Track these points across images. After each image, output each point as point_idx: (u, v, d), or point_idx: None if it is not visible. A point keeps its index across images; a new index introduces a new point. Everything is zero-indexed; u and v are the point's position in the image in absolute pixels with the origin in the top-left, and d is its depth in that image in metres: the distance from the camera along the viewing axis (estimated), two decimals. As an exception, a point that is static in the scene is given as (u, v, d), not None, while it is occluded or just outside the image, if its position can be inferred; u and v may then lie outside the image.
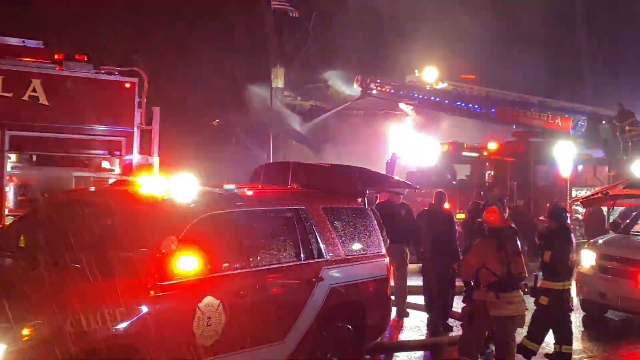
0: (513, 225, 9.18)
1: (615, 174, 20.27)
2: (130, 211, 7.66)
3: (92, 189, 10.12)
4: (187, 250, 6.83)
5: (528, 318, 9.40)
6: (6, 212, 11.98)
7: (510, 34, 34.16)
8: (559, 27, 37.35)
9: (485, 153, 19.20)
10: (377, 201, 13.31)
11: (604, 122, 23.96)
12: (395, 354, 10.45)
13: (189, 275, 6.81)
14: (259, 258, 7.73)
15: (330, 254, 8.51)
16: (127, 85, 13.30)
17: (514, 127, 25.18)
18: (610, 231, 14.08)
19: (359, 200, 9.55)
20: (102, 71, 13.35)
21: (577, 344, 11.25)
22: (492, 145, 19.26)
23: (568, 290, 9.93)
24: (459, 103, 27.91)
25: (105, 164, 13.38)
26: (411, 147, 20.66)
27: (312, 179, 9.52)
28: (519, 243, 9.03)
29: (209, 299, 6.98)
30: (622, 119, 22.89)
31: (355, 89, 31.32)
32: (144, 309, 6.48)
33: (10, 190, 12.40)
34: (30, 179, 12.80)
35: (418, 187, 13.02)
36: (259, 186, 9.22)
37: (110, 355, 6.17)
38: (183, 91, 28.37)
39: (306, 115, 34.59)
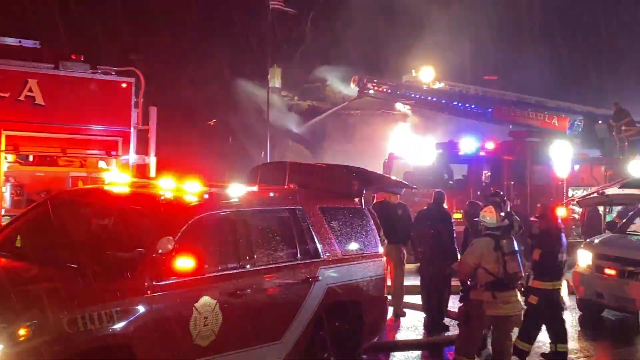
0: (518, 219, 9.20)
1: (611, 173, 20.29)
2: (126, 211, 7.66)
3: (89, 189, 10.09)
4: (183, 250, 6.83)
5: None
6: (2, 212, 11.98)
7: (509, 34, 34.20)
8: (558, 27, 37.41)
9: (482, 153, 19.20)
10: (374, 201, 13.32)
11: (600, 121, 24.00)
12: (392, 353, 10.45)
13: (185, 275, 6.80)
14: (255, 258, 7.73)
15: (327, 254, 8.52)
16: (124, 85, 13.30)
17: (511, 126, 25.21)
18: (606, 231, 14.09)
19: (356, 200, 9.55)
20: (99, 71, 13.34)
21: (573, 344, 11.27)
22: (489, 145, 19.26)
23: (558, 290, 9.94)
24: (455, 103, 27.94)
25: (101, 164, 13.38)
26: (408, 146, 20.66)
27: (309, 178, 9.52)
28: (515, 243, 9.04)
29: (205, 299, 6.98)
30: (619, 119, 22.94)
31: (352, 89, 31.35)
32: (141, 309, 6.47)
33: (6, 190, 12.39)
34: (26, 179, 12.79)
35: (415, 187, 13.03)
36: (256, 186, 9.22)
37: (106, 356, 6.16)
38: (180, 91, 28.35)
39: (303, 115, 34.59)
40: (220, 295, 7.12)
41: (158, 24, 30.56)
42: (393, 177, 14.52)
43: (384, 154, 21.56)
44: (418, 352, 10.62)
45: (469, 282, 9.06)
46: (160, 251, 6.68)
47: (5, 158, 12.35)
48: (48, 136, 12.53)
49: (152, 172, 13.34)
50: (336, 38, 34.26)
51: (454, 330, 11.24)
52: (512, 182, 18.84)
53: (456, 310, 10.23)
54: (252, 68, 30.43)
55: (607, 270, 12.19)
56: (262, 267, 7.76)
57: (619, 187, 14.48)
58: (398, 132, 26.30)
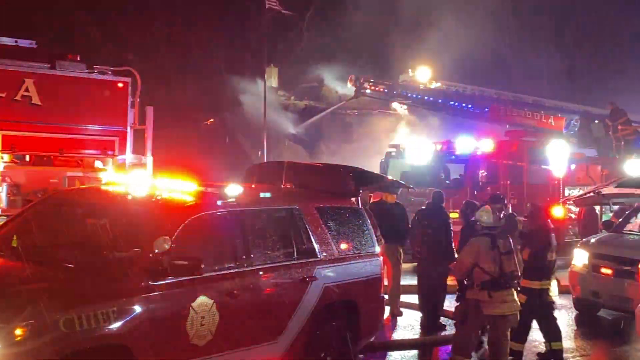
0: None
1: (607, 172, 20.31)
2: (123, 211, 7.66)
3: (85, 188, 10.09)
4: (180, 250, 6.82)
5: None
6: (-1, 212, 11.99)
7: (506, 34, 34.22)
8: (555, 26, 37.44)
9: (478, 152, 19.22)
10: (371, 200, 13.33)
11: (596, 121, 24.05)
12: (389, 353, 10.46)
13: (182, 275, 6.80)
14: (252, 258, 7.73)
15: (324, 254, 8.52)
16: (120, 85, 13.32)
17: (507, 126, 25.25)
18: (603, 230, 14.12)
19: (353, 199, 9.56)
20: (95, 71, 13.36)
21: (569, 343, 11.29)
22: (486, 145, 19.27)
23: (546, 290, 9.96)
24: (452, 102, 27.97)
25: (98, 164, 13.38)
26: (405, 146, 20.68)
27: (305, 178, 9.53)
28: (511, 242, 9.06)
29: (202, 299, 6.97)
30: (615, 118, 22.98)
31: (349, 89, 31.33)
32: (137, 308, 6.47)
33: (3, 190, 12.40)
34: (23, 179, 12.79)
35: (411, 186, 13.04)
36: (253, 186, 9.23)
37: (103, 356, 6.16)
38: (176, 91, 28.33)
39: (300, 114, 34.58)
40: (217, 295, 7.12)
41: (154, 23, 30.54)
42: (390, 177, 14.52)
43: (380, 153, 21.58)
44: (415, 352, 10.63)
45: (465, 282, 9.07)
46: (156, 251, 6.68)
47: (2, 158, 12.35)
48: (44, 136, 12.54)
49: (149, 171, 13.34)
50: (333, 38, 34.27)
51: (450, 330, 11.26)
52: (509, 182, 18.85)
53: (453, 309, 10.24)
54: (249, 67, 30.41)
55: (604, 270, 12.22)
56: (259, 267, 7.76)
57: (615, 187, 14.49)
58: (395, 132, 26.31)
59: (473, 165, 19.29)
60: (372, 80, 30.25)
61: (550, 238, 10.08)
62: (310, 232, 8.46)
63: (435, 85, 29.85)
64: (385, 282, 10.26)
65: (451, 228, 12.15)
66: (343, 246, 8.90)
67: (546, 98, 28.86)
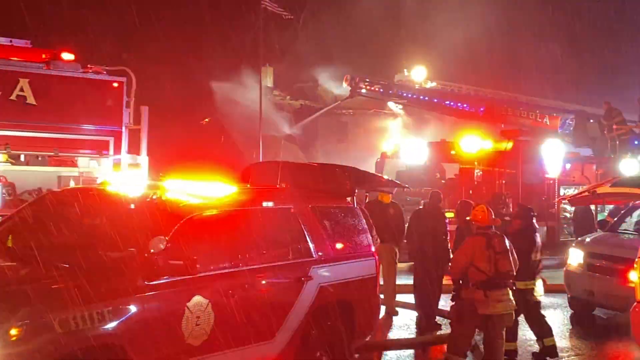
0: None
1: (602, 172, 20.36)
2: (119, 211, 7.65)
3: (80, 188, 10.08)
4: (175, 250, 6.82)
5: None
6: (-6, 211, 11.94)
7: (503, 33, 34.27)
8: (551, 26, 37.47)
9: (474, 152, 19.25)
10: (367, 200, 13.33)
11: (591, 120, 24.08)
12: (385, 352, 10.47)
13: (177, 274, 6.80)
14: (248, 257, 7.73)
15: (320, 253, 8.52)
16: (115, 84, 13.31)
17: (503, 125, 25.27)
18: (598, 229, 14.14)
19: (348, 199, 9.56)
20: (90, 70, 13.34)
21: (564, 342, 11.32)
22: (482, 145, 19.30)
23: (531, 290, 9.97)
24: (448, 102, 28.00)
25: (93, 164, 13.36)
26: (400, 146, 20.71)
27: (301, 178, 9.52)
28: (507, 241, 9.07)
29: (197, 299, 6.97)
30: (610, 118, 23.02)
31: (344, 88, 31.35)
32: (133, 308, 6.47)
33: (-3, 190, 12.37)
34: (18, 179, 12.76)
35: (407, 186, 13.05)
36: (248, 186, 9.22)
37: (99, 356, 6.15)
38: (172, 90, 28.31)
39: (296, 114, 34.56)
40: (213, 294, 7.11)
41: (149, 23, 30.51)
42: (385, 177, 14.53)
43: (376, 153, 21.61)
44: (410, 351, 10.64)
45: (460, 281, 9.08)
46: (152, 251, 6.67)
47: (-3, 157, 12.34)
48: (39, 136, 12.53)
49: (144, 171, 13.34)
50: (328, 37, 34.27)
51: (446, 329, 11.27)
52: (504, 181, 18.88)
53: (448, 309, 10.25)
54: (244, 67, 30.39)
55: (599, 269, 12.23)
56: (255, 267, 7.75)
57: (610, 186, 14.52)
58: (390, 132, 26.33)
59: (468, 164, 19.33)
60: (367, 80, 30.28)
61: (534, 238, 10.11)
62: (305, 232, 8.46)
63: (430, 84, 29.88)
64: (381, 282, 10.27)
65: (447, 228, 12.17)
66: (339, 246, 8.91)
67: (541, 97, 28.90)
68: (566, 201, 17.57)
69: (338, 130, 33.55)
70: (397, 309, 12.65)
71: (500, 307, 8.82)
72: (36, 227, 7.82)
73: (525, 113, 25.25)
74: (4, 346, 5.70)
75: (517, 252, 9.49)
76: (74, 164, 13.17)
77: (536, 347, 10.38)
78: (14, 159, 12.82)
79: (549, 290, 14.51)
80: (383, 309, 11.54)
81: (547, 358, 10.13)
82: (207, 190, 7.87)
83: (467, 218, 10.13)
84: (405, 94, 29.48)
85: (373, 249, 9.51)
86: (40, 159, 12.94)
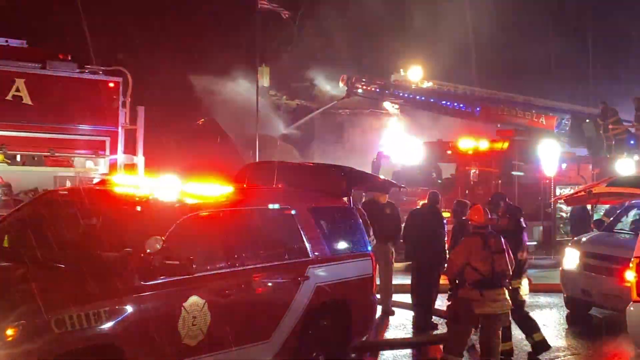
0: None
1: (598, 171, 20.37)
2: (115, 211, 7.65)
3: (77, 188, 10.07)
4: (172, 250, 6.82)
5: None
6: (-10, 212, 11.92)
7: (500, 33, 34.26)
8: (547, 25, 37.51)
9: (470, 152, 19.26)
10: (363, 200, 13.34)
11: (587, 120, 24.09)
12: (381, 352, 10.47)
13: (173, 274, 6.80)
14: (244, 257, 7.73)
15: (316, 253, 8.52)
16: (112, 84, 13.31)
17: (499, 125, 25.28)
18: (594, 229, 14.16)
19: (345, 199, 9.57)
20: (87, 70, 13.34)
21: (561, 341, 11.35)
22: (478, 144, 19.31)
23: (516, 289, 9.97)
24: (444, 102, 27.98)
25: (89, 164, 13.36)
26: (397, 146, 20.71)
27: (297, 178, 9.53)
28: (503, 241, 9.08)
29: (194, 299, 6.97)
30: (606, 117, 23.03)
31: (341, 88, 31.31)
32: (129, 308, 6.47)
33: (-6, 190, 12.36)
34: (14, 179, 12.75)
35: (403, 186, 13.06)
36: (245, 186, 9.23)
37: (95, 356, 6.15)
38: (168, 90, 28.27)
39: (292, 114, 34.53)
40: (209, 294, 7.12)
41: (146, 23, 30.46)
42: (381, 176, 14.54)
43: (372, 153, 21.59)
44: (407, 351, 10.64)
45: (457, 281, 9.09)
46: (148, 251, 6.67)
47: (-7, 158, 12.32)
48: (36, 136, 12.53)
49: (141, 171, 13.33)
50: (325, 37, 34.23)
51: (442, 329, 11.28)
52: (500, 181, 18.89)
53: (444, 308, 10.26)
54: (240, 67, 30.35)
55: (595, 269, 12.25)
56: (251, 267, 7.76)
57: (606, 186, 14.54)
58: (386, 132, 26.31)
59: (464, 164, 19.34)
60: (364, 79, 30.23)
61: (521, 237, 10.12)
62: (302, 232, 8.47)
63: (427, 84, 29.84)
64: (377, 282, 10.28)
65: (446, 229, 12.17)
66: (335, 246, 8.92)
67: (537, 97, 28.90)
68: (562, 201, 17.58)
69: (334, 130, 33.50)
70: (393, 308, 12.65)
71: (497, 306, 8.84)
72: (32, 227, 7.81)
73: (521, 113, 25.23)
74: (0, 346, 5.70)
75: None
76: (70, 164, 13.15)
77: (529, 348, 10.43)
78: (10, 159, 12.81)
79: (546, 290, 14.58)
80: (379, 308, 11.54)
81: (542, 353, 10.16)
82: (200, 190, 7.88)
83: (464, 218, 10.15)
84: (401, 94, 29.44)
85: (369, 248, 9.51)
86: (36, 159, 12.93)
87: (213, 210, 7.67)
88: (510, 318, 9.58)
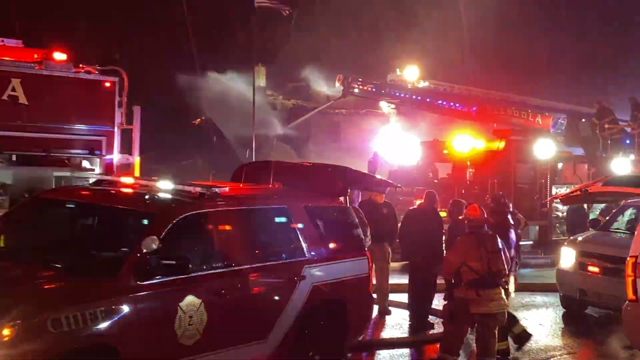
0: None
1: (594, 171, 20.41)
2: (111, 211, 7.64)
3: (73, 188, 10.06)
4: (168, 250, 6.82)
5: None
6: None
7: (497, 32, 34.31)
8: (544, 25, 37.53)
9: (466, 151, 19.27)
10: (359, 199, 13.33)
11: (583, 120, 24.15)
12: (378, 351, 10.48)
13: (170, 274, 6.79)
14: (240, 257, 7.73)
15: (312, 253, 8.52)
16: (107, 84, 13.28)
17: (495, 125, 25.31)
18: (590, 228, 14.18)
19: (341, 198, 9.57)
20: (82, 70, 13.30)
21: (557, 340, 11.37)
22: (474, 144, 19.32)
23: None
24: (440, 102, 28.01)
25: (85, 164, 13.33)
26: (393, 145, 20.72)
27: (293, 178, 9.53)
28: (499, 240, 9.09)
29: (190, 299, 6.97)
30: (602, 117, 23.08)
31: (337, 88, 31.32)
32: (125, 308, 6.46)
33: (-11, 190, 12.33)
34: (10, 179, 12.73)
35: (399, 185, 13.06)
36: (241, 185, 9.23)
37: (91, 356, 6.15)
38: (164, 90, 28.25)
39: (288, 114, 34.52)
40: (205, 294, 7.12)
41: (141, 23, 30.44)
42: (378, 176, 14.54)
43: (368, 152, 21.60)
44: (403, 350, 10.65)
45: (453, 280, 9.10)
46: (144, 251, 6.67)
47: (-12, 158, 12.29)
48: (31, 136, 12.50)
49: (137, 171, 13.32)
50: (321, 37, 34.26)
51: (438, 328, 11.28)
52: (496, 181, 18.91)
53: (441, 308, 10.27)
54: (237, 67, 30.33)
55: (591, 268, 12.28)
56: (247, 266, 7.76)
57: (602, 185, 14.56)
58: (383, 131, 26.28)
59: (461, 164, 19.35)
60: (360, 79, 30.23)
61: (508, 234, 10.13)
62: (298, 232, 8.47)
63: (423, 84, 29.85)
64: (374, 281, 10.28)
65: (443, 229, 12.17)
66: (331, 245, 8.91)
67: (533, 97, 28.95)
68: (558, 200, 17.61)
69: (331, 130, 33.50)
70: (390, 308, 12.65)
71: (493, 306, 8.85)
72: (28, 227, 7.81)
73: (517, 112, 25.28)
74: (-4, 346, 5.70)
75: None
76: (66, 164, 13.12)
77: (528, 346, 10.43)
78: (6, 159, 12.78)
79: (542, 289, 14.60)
80: (376, 308, 11.55)
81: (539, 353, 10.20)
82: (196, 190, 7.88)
83: (460, 217, 10.15)
84: (397, 94, 29.44)
85: (366, 248, 9.52)
86: (32, 159, 12.90)
87: (209, 210, 7.66)
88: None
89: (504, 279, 9.09)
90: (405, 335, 11.50)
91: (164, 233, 6.92)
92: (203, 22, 32.28)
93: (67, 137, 12.94)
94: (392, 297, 12.85)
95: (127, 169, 13.42)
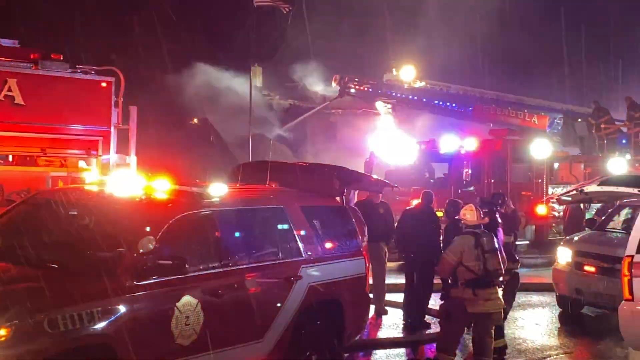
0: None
1: (591, 170, 20.46)
2: (107, 211, 7.64)
3: (69, 188, 10.04)
4: (164, 250, 6.82)
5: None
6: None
7: (494, 32, 34.35)
8: (541, 25, 37.60)
9: (462, 151, 19.31)
10: (356, 199, 13.34)
11: (579, 119, 24.20)
12: (374, 351, 10.49)
13: (166, 274, 6.79)
14: (237, 257, 7.74)
15: (309, 253, 8.53)
16: (104, 84, 13.26)
17: (491, 125, 25.36)
18: (586, 228, 14.21)
19: (338, 198, 9.58)
20: (79, 70, 13.29)
21: (553, 340, 11.39)
22: (470, 144, 19.36)
23: None
24: (437, 102, 28.06)
25: (82, 164, 13.32)
26: (389, 145, 20.73)
27: (290, 178, 9.53)
28: (495, 240, 9.11)
29: (187, 299, 6.97)
30: (598, 117, 23.13)
31: (333, 88, 31.35)
32: (122, 308, 6.46)
33: (-15, 191, 12.30)
34: (6, 179, 12.71)
35: (396, 185, 13.07)
36: (237, 185, 9.22)
37: (88, 356, 6.14)
38: (160, 90, 28.24)
39: (285, 114, 34.54)
40: (202, 294, 7.12)
41: (138, 23, 30.42)
42: (374, 176, 14.55)
43: (365, 152, 21.62)
44: (400, 350, 10.67)
45: (449, 280, 9.11)
46: (141, 251, 6.67)
47: (-15, 158, 12.28)
48: (28, 136, 12.48)
49: (133, 171, 13.28)
50: (317, 37, 34.26)
51: (435, 328, 11.30)
52: (492, 180, 18.94)
53: (437, 307, 10.28)
54: (233, 67, 30.34)
55: (587, 267, 12.30)
56: (244, 266, 7.77)
57: (598, 185, 14.59)
58: (379, 131, 26.31)
59: (457, 164, 19.38)
60: (356, 79, 30.26)
61: (496, 233, 10.14)
62: (294, 232, 8.47)
63: (419, 84, 29.89)
64: (370, 281, 10.29)
65: (440, 229, 12.18)
66: (328, 245, 8.92)
67: (529, 97, 29.00)
68: (554, 200, 17.64)
69: (327, 130, 33.51)
70: (386, 308, 12.66)
71: (489, 305, 8.87)
72: (24, 227, 7.80)
73: (514, 112, 25.36)
74: (-7, 346, 5.70)
75: None
76: (62, 164, 13.11)
77: (524, 346, 10.45)
78: (2, 159, 12.77)
79: (538, 289, 14.63)
80: (372, 308, 11.56)
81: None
82: (192, 190, 7.88)
83: (456, 217, 10.16)
84: (394, 94, 29.49)
85: (362, 248, 9.52)
86: (28, 159, 12.88)
87: (206, 210, 7.67)
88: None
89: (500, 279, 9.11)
90: (402, 335, 11.51)
91: (160, 233, 6.92)
92: (201, 22, 32.26)
93: (63, 137, 12.92)
94: (389, 296, 12.86)
95: (123, 169, 13.40)
